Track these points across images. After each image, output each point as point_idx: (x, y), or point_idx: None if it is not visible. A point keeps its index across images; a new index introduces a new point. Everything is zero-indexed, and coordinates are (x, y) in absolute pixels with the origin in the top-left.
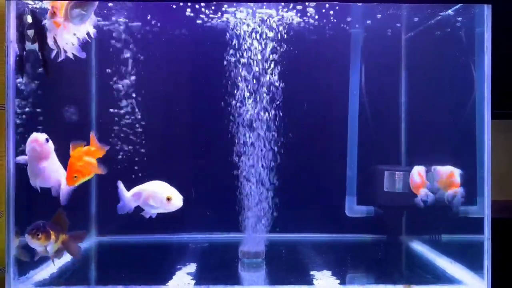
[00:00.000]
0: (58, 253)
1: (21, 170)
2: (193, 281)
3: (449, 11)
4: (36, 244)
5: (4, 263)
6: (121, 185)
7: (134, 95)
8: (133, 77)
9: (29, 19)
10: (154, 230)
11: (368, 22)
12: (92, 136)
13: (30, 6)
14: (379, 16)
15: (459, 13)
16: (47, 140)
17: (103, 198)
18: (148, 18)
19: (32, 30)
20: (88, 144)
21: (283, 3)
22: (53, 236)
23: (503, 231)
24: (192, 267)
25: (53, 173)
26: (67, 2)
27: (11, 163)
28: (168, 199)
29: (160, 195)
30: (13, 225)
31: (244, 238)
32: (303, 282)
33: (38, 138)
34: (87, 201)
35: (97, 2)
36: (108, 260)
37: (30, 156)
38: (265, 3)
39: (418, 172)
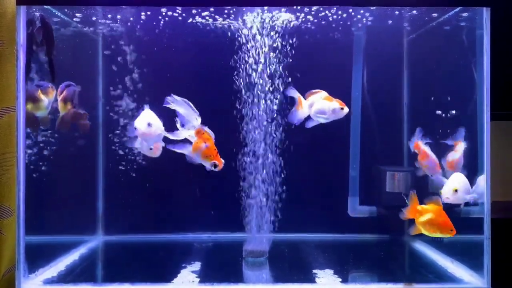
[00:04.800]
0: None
1: (31, 169)
2: (198, 279)
3: (450, 13)
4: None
5: (14, 261)
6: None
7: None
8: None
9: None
10: (160, 230)
11: (370, 25)
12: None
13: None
14: (380, 19)
15: (460, 15)
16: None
17: (109, 198)
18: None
19: (41, 34)
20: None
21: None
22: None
23: (505, 231)
24: (197, 266)
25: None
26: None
27: (21, 163)
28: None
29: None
30: (23, 224)
31: (248, 237)
32: (306, 280)
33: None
34: (94, 201)
35: None
36: (115, 259)
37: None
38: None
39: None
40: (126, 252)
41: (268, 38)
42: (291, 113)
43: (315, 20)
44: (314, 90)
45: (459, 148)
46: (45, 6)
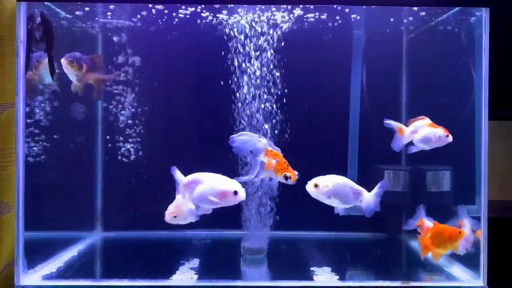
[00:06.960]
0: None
1: (31, 165)
2: (196, 276)
3: (449, 13)
4: (69, 70)
5: (13, 256)
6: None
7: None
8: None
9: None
10: (158, 227)
11: (369, 24)
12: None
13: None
14: (379, 18)
15: (459, 15)
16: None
17: (108, 194)
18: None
19: (40, 31)
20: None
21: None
22: (84, 69)
23: (502, 230)
24: (195, 262)
25: None
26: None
27: (20, 159)
28: None
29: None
30: (22, 220)
31: (246, 234)
32: (304, 277)
33: None
34: (93, 198)
35: None
36: (114, 255)
37: None
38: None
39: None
40: (125, 249)
41: (264, 37)
42: (393, 140)
43: (314, 19)
44: (417, 117)
45: (466, 226)
46: (46, 3)
